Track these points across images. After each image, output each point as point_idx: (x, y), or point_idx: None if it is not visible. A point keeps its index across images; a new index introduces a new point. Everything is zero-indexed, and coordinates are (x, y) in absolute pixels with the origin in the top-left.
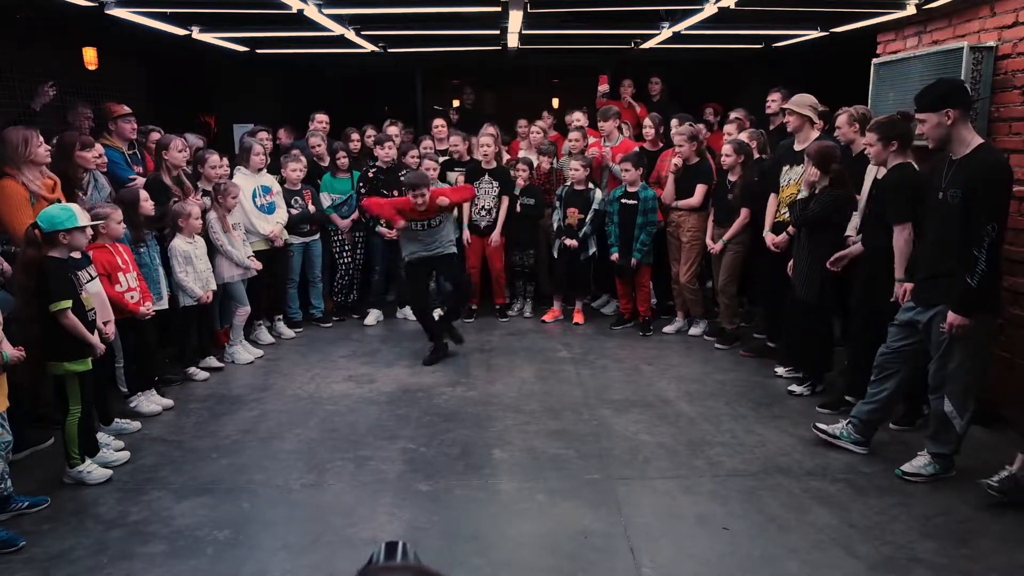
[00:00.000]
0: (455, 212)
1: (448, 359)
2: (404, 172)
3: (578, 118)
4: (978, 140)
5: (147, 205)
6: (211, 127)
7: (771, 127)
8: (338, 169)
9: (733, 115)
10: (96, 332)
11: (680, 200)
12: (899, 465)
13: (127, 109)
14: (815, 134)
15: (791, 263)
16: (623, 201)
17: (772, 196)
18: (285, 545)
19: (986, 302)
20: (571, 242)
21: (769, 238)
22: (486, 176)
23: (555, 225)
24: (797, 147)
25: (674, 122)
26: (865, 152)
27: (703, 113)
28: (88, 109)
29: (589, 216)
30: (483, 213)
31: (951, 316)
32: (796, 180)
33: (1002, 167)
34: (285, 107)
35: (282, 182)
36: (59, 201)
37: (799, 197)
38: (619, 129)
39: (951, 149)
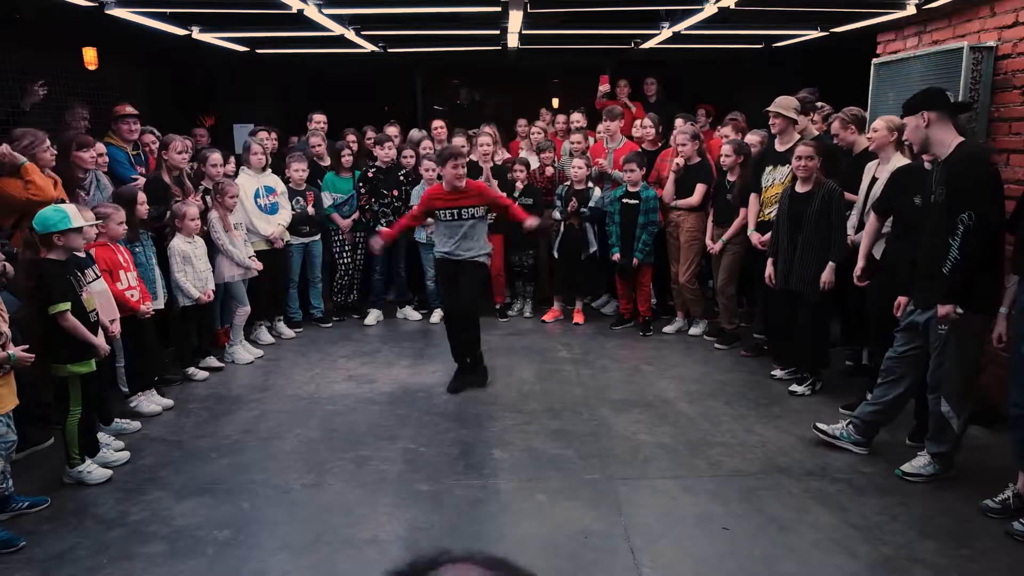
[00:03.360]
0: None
1: (448, 359)
2: (403, 171)
3: (577, 119)
4: (959, 139)
5: (142, 208)
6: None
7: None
8: (342, 168)
9: (729, 117)
10: (100, 332)
11: (680, 199)
12: (899, 465)
13: (129, 110)
14: (796, 136)
15: (769, 270)
16: (624, 201)
17: (753, 196)
18: (285, 545)
19: (978, 300)
20: (574, 204)
21: (755, 237)
22: (483, 175)
23: (556, 214)
24: (779, 148)
25: (679, 122)
26: (869, 149)
27: (696, 114)
28: (85, 110)
29: (588, 206)
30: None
31: (940, 308)
32: (781, 180)
33: (979, 159)
34: (285, 107)
35: (287, 181)
36: (62, 200)
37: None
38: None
39: (933, 152)
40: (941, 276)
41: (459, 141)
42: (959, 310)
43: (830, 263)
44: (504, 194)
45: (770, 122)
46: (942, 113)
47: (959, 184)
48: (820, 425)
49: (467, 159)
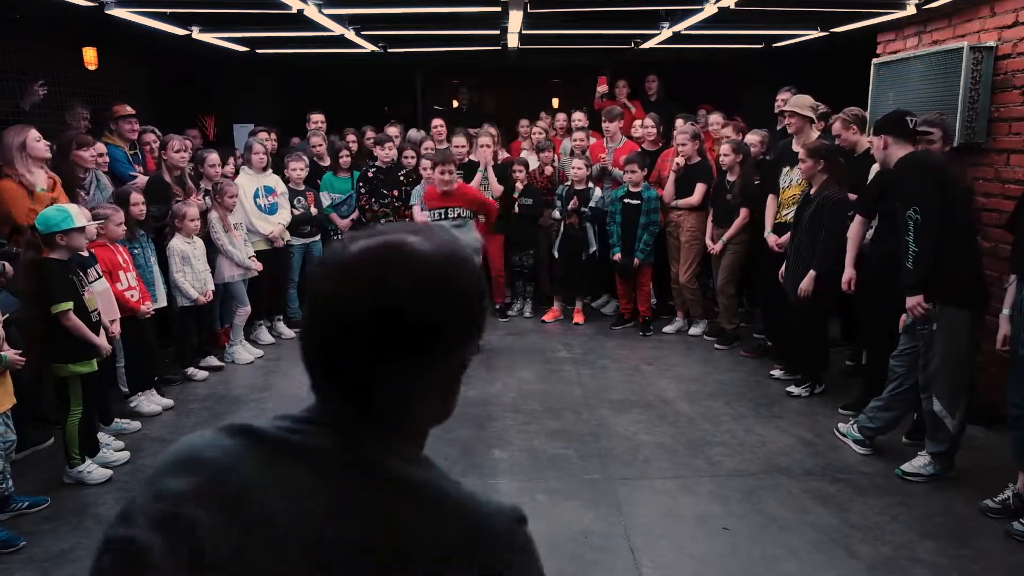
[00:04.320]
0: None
1: None
2: (403, 171)
3: (579, 119)
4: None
5: (135, 209)
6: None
7: (779, 126)
8: (340, 168)
9: (731, 118)
10: (101, 332)
11: (680, 199)
12: (899, 465)
13: (129, 110)
14: (815, 135)
15: (783, 269)
16: (626, 201)
17: (771, 197)
18: None
19: (955, 294)
20: (574, 203)
21: (771, 239)
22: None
23: (556, 213)
24: (796, 148)
25: (679, 122)
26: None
27: (697, 114)
28: (85, 110)
29: (588, 206)
30: None
31: (907, 301)
32: (797, 181)
33: (913, 160)
34: (285, 107)
35: (286, 181)
36: (58, 200)
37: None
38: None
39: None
40: (906, 270)
41: (459, 140)
42: (925, 304)
43: (811, 272)
44: (489, 197)
45: (786, 122)
46: (898, 138)
47: (899, 187)
48: (840, 426)
49: (458, 162)
